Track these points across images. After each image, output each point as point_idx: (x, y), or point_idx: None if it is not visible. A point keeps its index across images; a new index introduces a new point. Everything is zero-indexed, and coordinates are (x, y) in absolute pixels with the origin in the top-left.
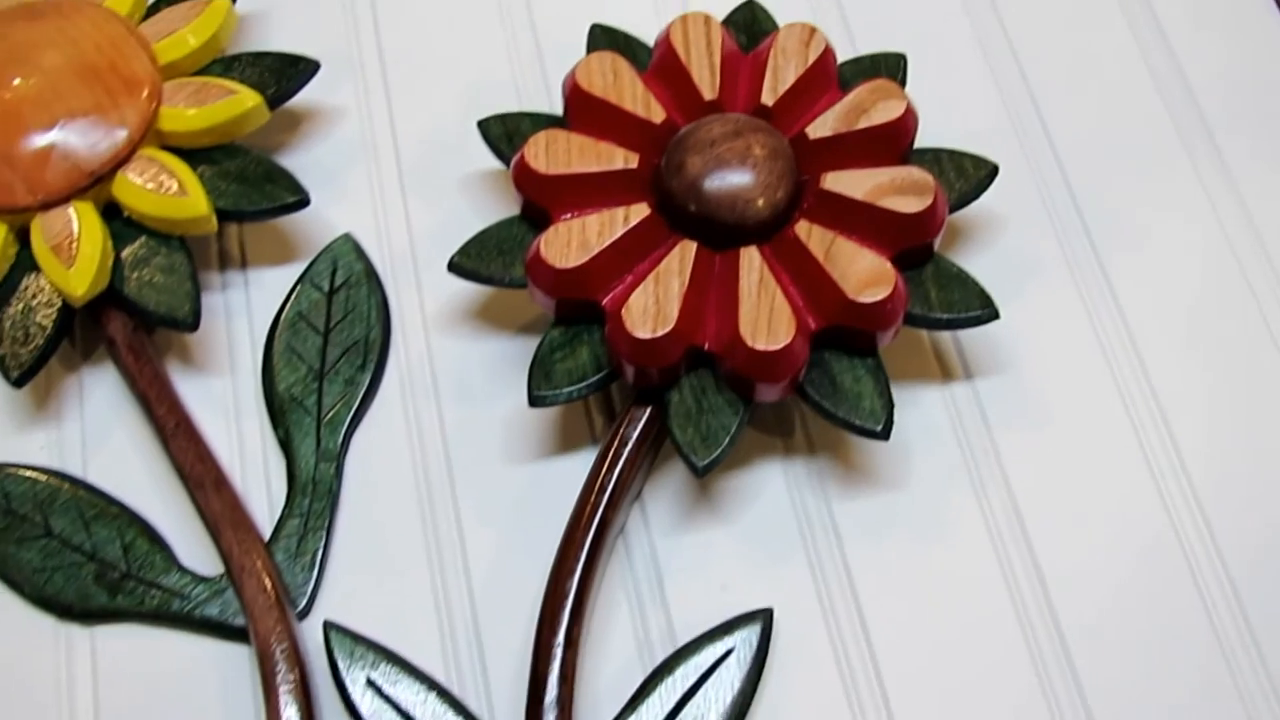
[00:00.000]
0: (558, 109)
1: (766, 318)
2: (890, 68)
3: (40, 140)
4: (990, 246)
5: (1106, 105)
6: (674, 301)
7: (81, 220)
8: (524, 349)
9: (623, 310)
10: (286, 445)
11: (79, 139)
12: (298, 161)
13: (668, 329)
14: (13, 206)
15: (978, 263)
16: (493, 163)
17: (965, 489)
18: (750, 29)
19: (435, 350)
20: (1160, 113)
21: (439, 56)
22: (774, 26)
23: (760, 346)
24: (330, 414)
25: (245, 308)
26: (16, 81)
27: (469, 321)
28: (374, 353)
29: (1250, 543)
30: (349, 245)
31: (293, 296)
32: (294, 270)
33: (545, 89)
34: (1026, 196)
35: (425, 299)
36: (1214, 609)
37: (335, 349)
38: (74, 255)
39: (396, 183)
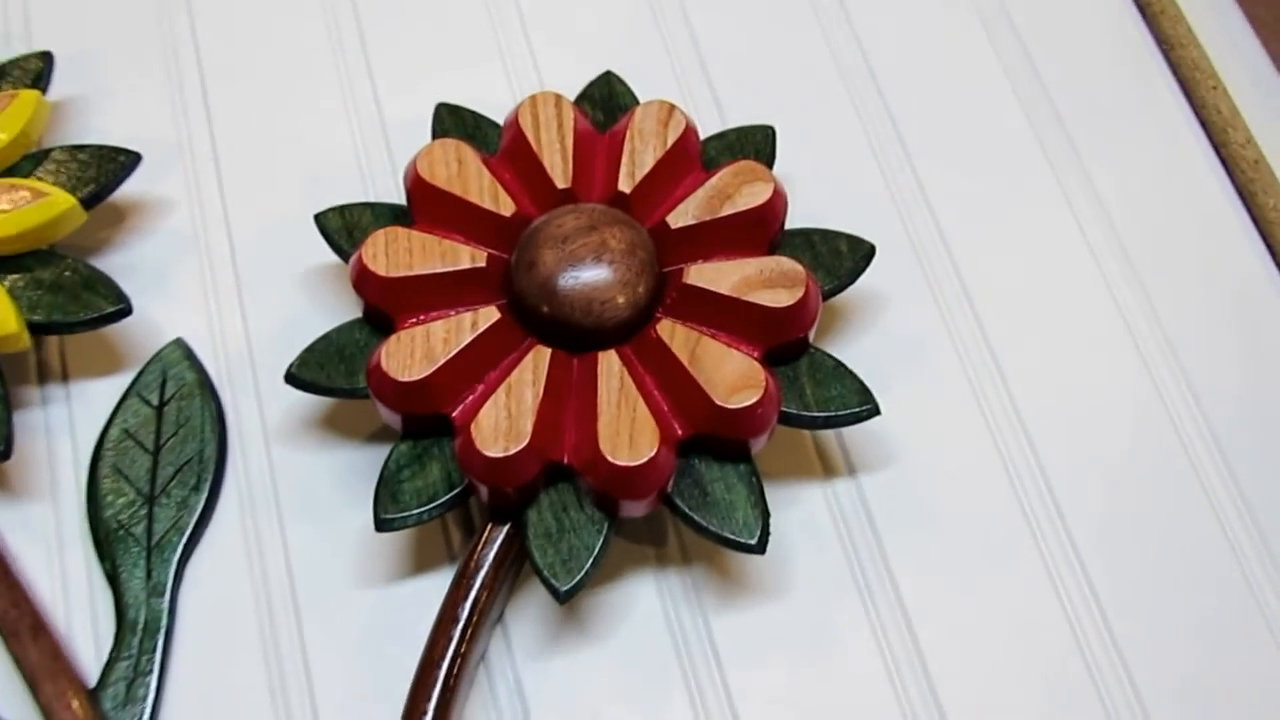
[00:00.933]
0: (396, 180)
1: (628, 429)
2: (758, 142)
3: None
4: (870, 327)
5: (992, 174)
6: (528, 415)
7: None
8: (374, 460)
9: (472, 426)
10: (114, 579)
11: None
12: (122, 260)
13: (521, 445)
14: None
15: (858, 345)
16: (334, 256)
17: (851, 596)
18: (608, 104)
19: (277, 464)
20: (1051, 184)
21: (276, 138)
22: (634, 101)
23: (621, 462)
24: (161, 541)
25: (68, 424)
26: None
27: (314, 432)
28: (209, 470)
29: (1148, 633)
30: (180, 352)
31: (118, 412)
32: (120, 381)
33: (392, 171)
34: (908, 272)
35: (265, 409)
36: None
37: (166, 469)
38: None
39: (232, 281)
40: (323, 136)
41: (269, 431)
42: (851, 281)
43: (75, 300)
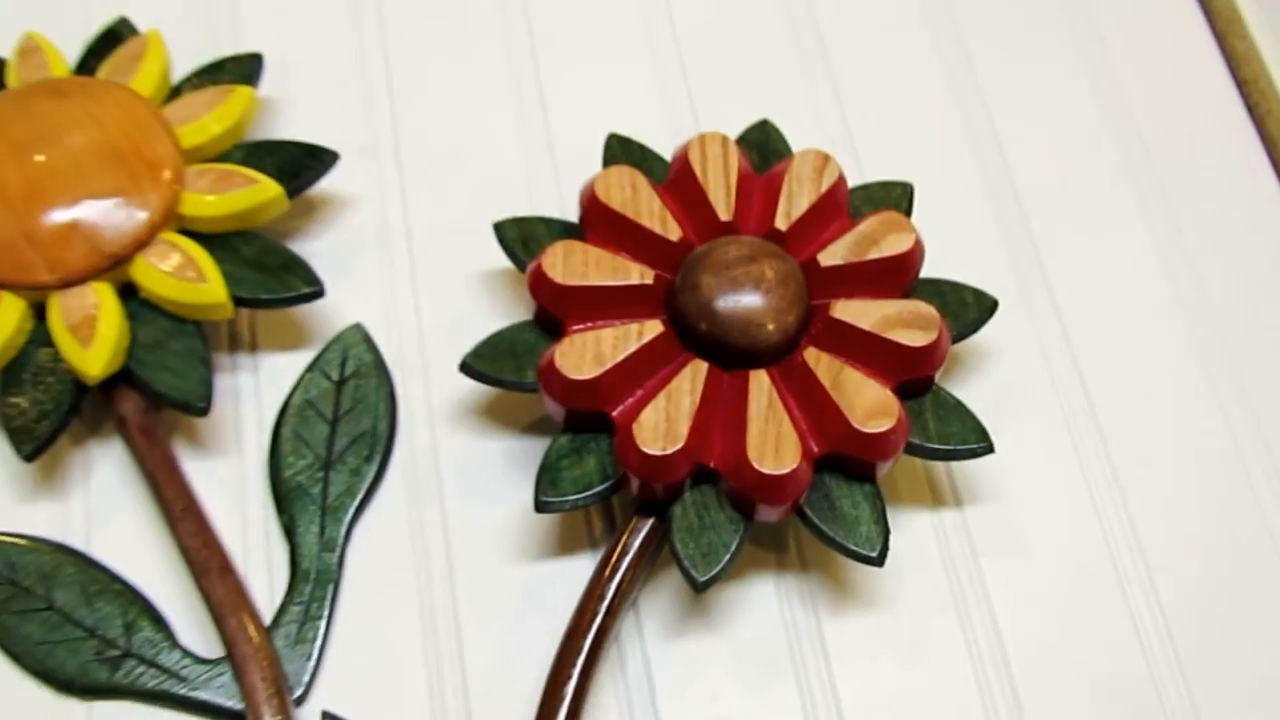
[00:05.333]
0: (569, 211)
1: (774, 442)
2: (897, 196)
3: (62, 219)
4: (985, 377)
5: (1103, 250)
6: (684, 420)
7: (100, 302)
8: (528, 449)
9: (634, 426)
10: (290, 532)
11: (101, 220)
12: (311, 248)
13: (677, 447)
14: (32, 284)
15: (972, 392)
16: (504, 261)
17: (950, 614)
18: (763, 148)
19: (440, 446)
20: (1153, 263)
21: (455, 150)
22: (785, 146)
23: (767, 470)
24: (335, 503)
25: (254, 392)
26: (41, 158)
27: (475, 419)
28: (380, 445)
29: (1220, 678)
30: (359, 336)
31: (301, 384)
32: (303, 357)
33: (557, 191)
34: (1021, 330)
35: (432, 394)
36: None
37: (343, 439)
38: (92, 336)
39: (408, 275)
40: (496, 153)
41: (434, 414)
42: (974, 331)
43: (275, 279)
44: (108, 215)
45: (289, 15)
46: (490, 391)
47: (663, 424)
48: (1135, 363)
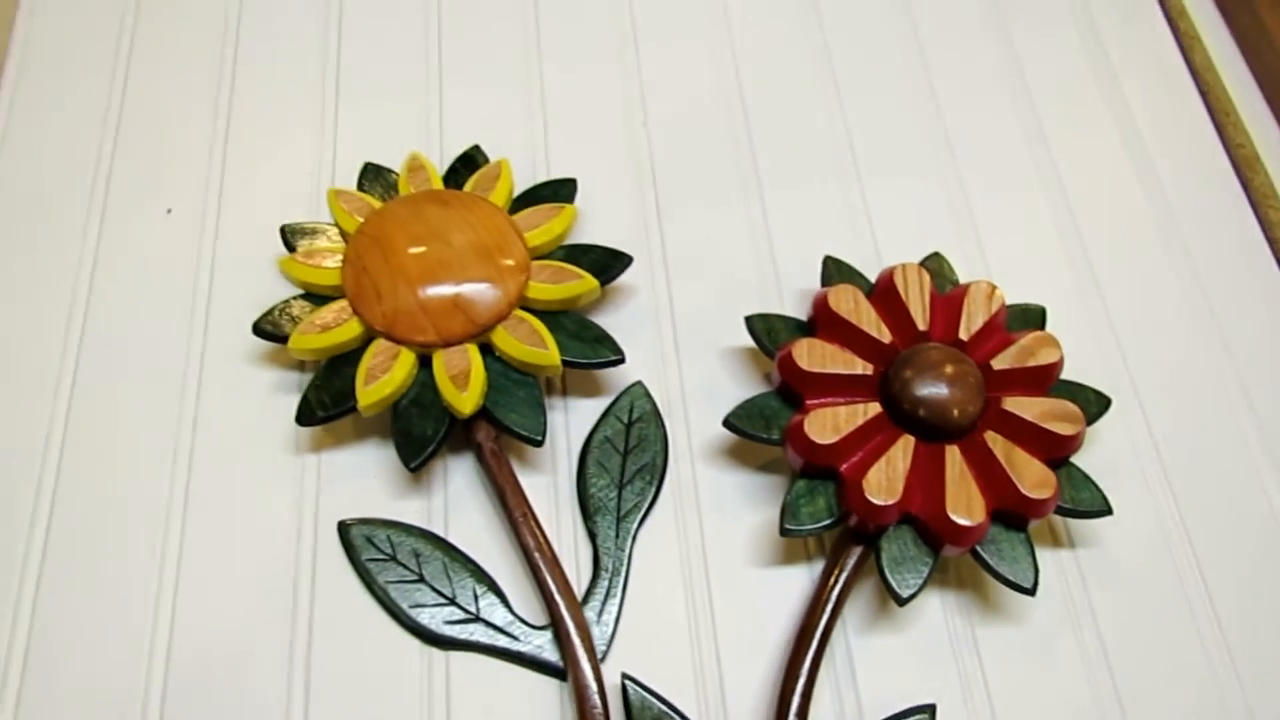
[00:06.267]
0: (786, 303)
1: (965, 501)
2: (1035, 316)
3: (447, 296)
4: (1091, 455)
5: (1181, 374)
6: (900, 479)
7: (472, 360)
8: (762, 483)
9: (863, 481)
10: (593, 534)
11: (475, 298)
12: (606, 321)
13: (895, 500)
14: (423, 343)
15: (1082, 460)
16: (742, 340)
17: (1067, 630)
18: (938, 276)
19: (699, 476)
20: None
21: (704, 254)
22: (953, 272)
23: (961, 521)
24: (625, 515)
25: (564, 427)
26: (433, 251)
27: (723, 458)
28: (657, 474)
29: (1271, 680)
30: (642, 390)
31: (601, 424)
32: (600, 403)
33: (778, 289)
34: (1116, 419)
35: (693, 437)
36: None
37: (632, 467)
38: (466, 384)
39: (673, 347)
40: (733, 259)
41: (694, 452)
42: (1093, 422)
43: (590, 348)
44: (480, 295)
45: (582, 146)
46: (736, 439)
47: (884, 482)
48: (1197, 442)
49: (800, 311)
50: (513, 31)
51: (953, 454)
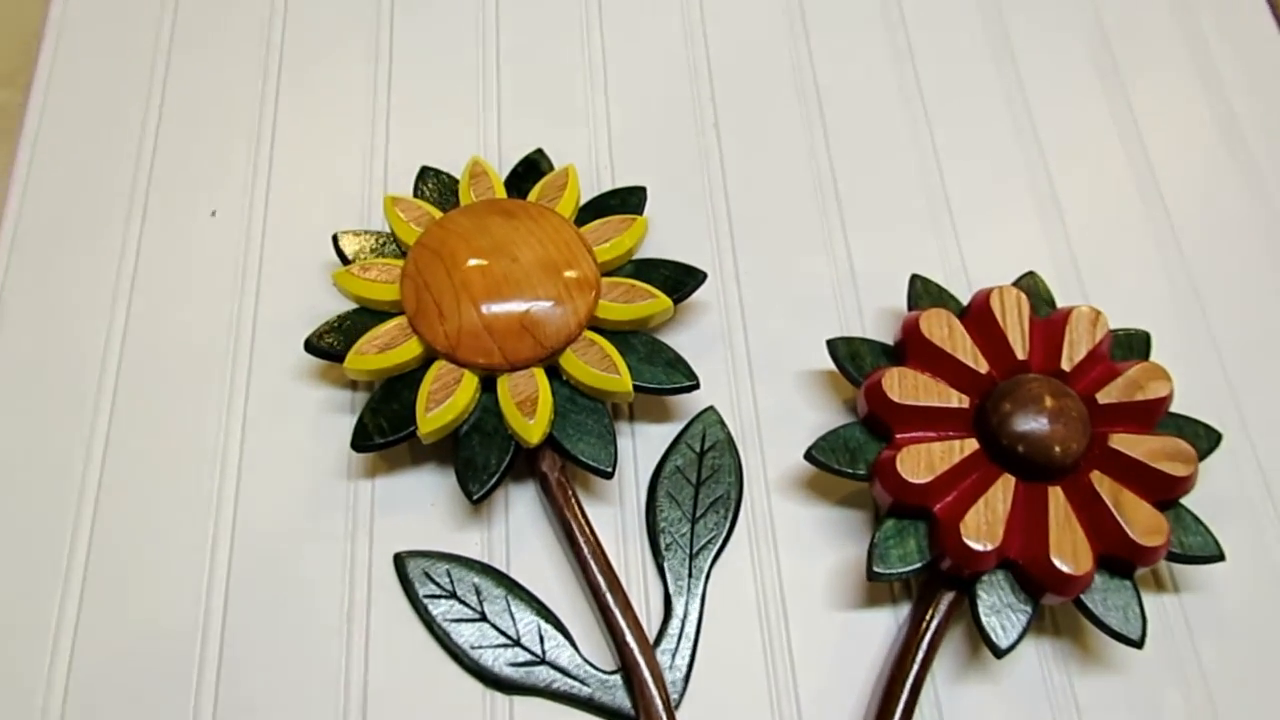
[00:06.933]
0: (866, 325)
1: (1071, 547)
2: (1139, 343)
3: (514, 316)
4: (1195, 493)
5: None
6: (1000, 523)
7: (539, 385)
8: (842, 518)
9: (960, 524)
10: (663, 572)
11: (543, 319)
12: (673, 341)
13: (995, 545)
14: (488, 366)
15: (1192, 506)
16: (818, 364)
17: (1172, 682)
18: (1035, 298)
19: (775, 508)
20: None
21: (779, 272)
22: (1049, 294)
23: (1066, 570)
24: (698, 550)
25: (632, 454)
26: (498, 266)
27: (801, 490)
28: (732, 506)
29: None
30: (715, 417)
31: (671, 453)
32: (669, 429)
33: (858, 313)
34: (1225, 459)
35: (768, 467)
36: None
37: (705, 499)
38: (534, 410)
39: (746, 369)
40: (812, 274)
41: (769, 483)
42: (1204, 458)
43: (664, 373)
44: (548, 316)
45: (646, 150)
46: (814, 470)
47: (983, 525)
48: None
49: (882, 332)
50: (573, 26)
51: (1056, 495)
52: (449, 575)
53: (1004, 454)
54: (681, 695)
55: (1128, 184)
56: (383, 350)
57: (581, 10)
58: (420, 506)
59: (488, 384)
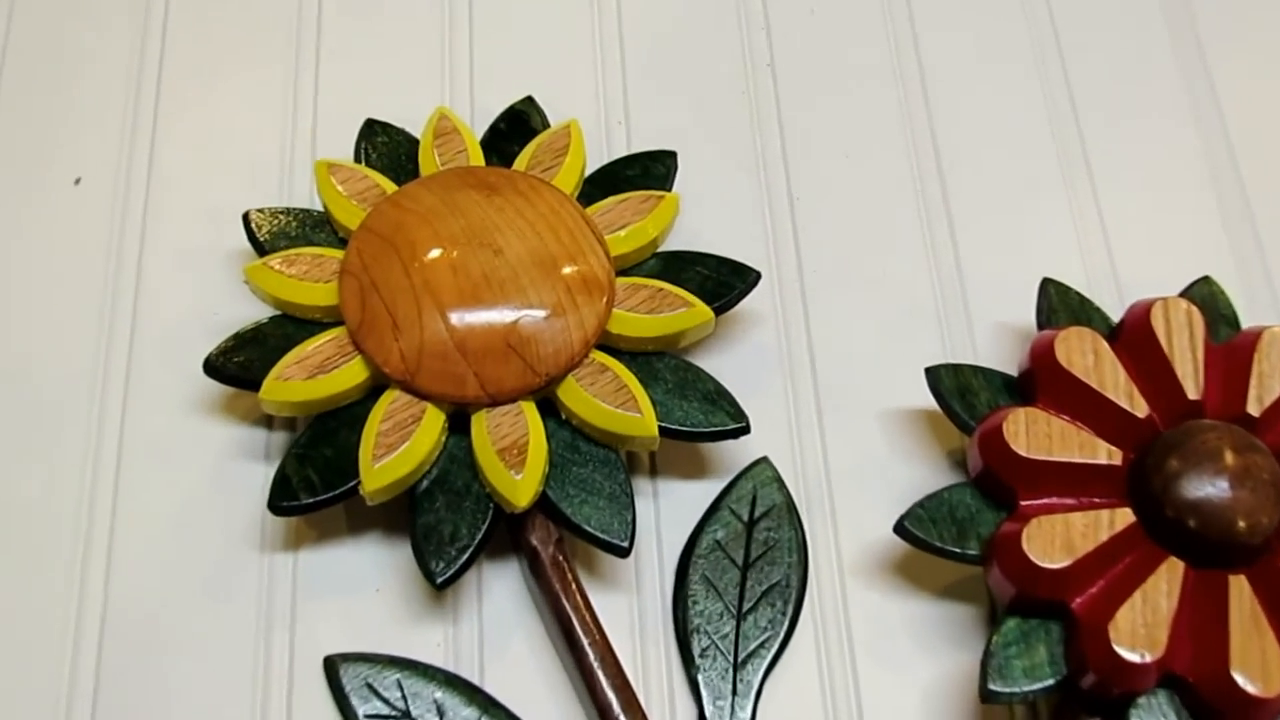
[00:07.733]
0: (980, 350)
1: (1259, 658)
2: None
3: (497, 332)
4: None
5: None
6: (1163, 626)
7: (530, 426)
8: (944, 614)
9: (1109, 626)
10: (696, 686)
11: (536, 336)
12: (714, 365)
13: (1157, 656)
14: (460, 399)
15: None
16: (914, 399)
17: None
18: (1211, 309)
19: (850, 598)
20: None
21: (857, 274)
22: (1233, 310)
23: (1252, 690)
24: (746, 658)
25: (654, 522)
26: (475, 259)
27: (888, 575)
28: (793, 596)
29: None
30: (769, 474)
31: (709, 521)
32: (704, 487)
33: (967, 326)
34: None
35: (841, 541)
36: None
37: (755, 587)
38: (522, 463)
39: (812, 404)
40: (905, 275)
41: (844, 564)
42: None
43: (701, 412)
44: (542, 330)
45: (677, 105)
46: (909, 549)
47: (1141, 628)
48: None
49: (1003, 358)
50: None
51: (1239, 586)
52: (400, 688)
53: (1169, 529)
54: None
55: None
56: (313, 375)
57: None
58: (362, 591)
59: (458, 423)
